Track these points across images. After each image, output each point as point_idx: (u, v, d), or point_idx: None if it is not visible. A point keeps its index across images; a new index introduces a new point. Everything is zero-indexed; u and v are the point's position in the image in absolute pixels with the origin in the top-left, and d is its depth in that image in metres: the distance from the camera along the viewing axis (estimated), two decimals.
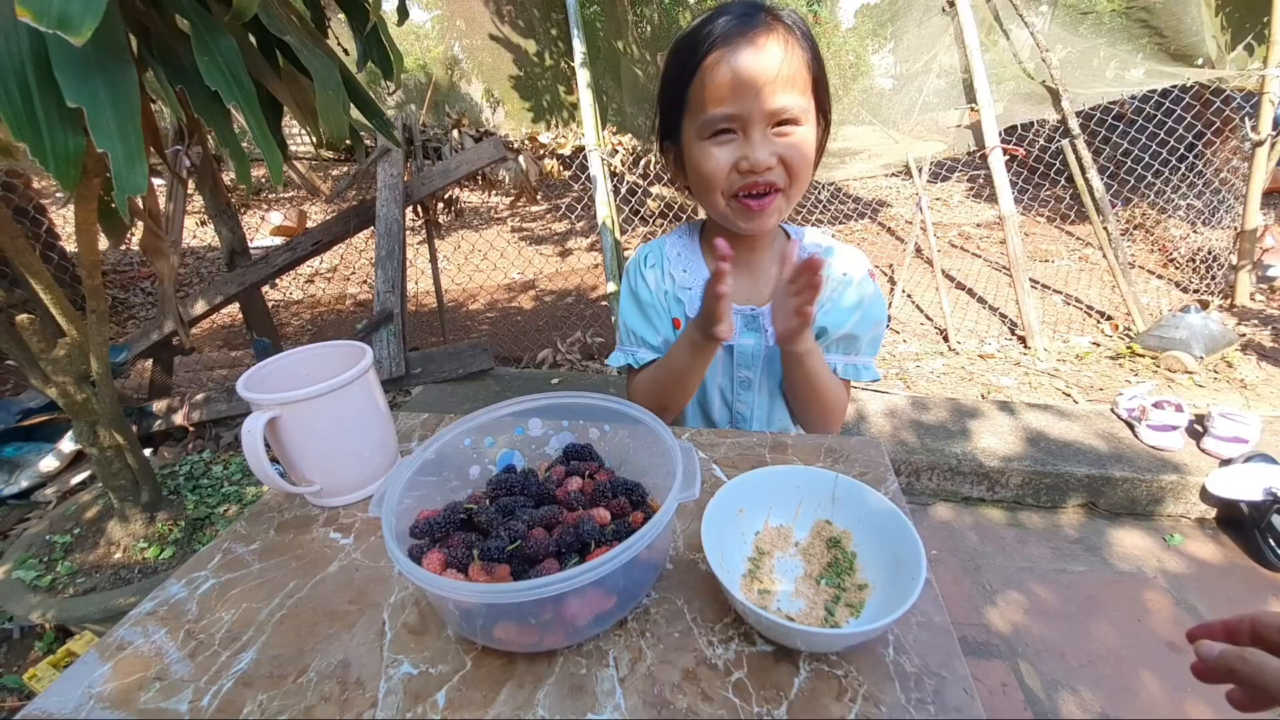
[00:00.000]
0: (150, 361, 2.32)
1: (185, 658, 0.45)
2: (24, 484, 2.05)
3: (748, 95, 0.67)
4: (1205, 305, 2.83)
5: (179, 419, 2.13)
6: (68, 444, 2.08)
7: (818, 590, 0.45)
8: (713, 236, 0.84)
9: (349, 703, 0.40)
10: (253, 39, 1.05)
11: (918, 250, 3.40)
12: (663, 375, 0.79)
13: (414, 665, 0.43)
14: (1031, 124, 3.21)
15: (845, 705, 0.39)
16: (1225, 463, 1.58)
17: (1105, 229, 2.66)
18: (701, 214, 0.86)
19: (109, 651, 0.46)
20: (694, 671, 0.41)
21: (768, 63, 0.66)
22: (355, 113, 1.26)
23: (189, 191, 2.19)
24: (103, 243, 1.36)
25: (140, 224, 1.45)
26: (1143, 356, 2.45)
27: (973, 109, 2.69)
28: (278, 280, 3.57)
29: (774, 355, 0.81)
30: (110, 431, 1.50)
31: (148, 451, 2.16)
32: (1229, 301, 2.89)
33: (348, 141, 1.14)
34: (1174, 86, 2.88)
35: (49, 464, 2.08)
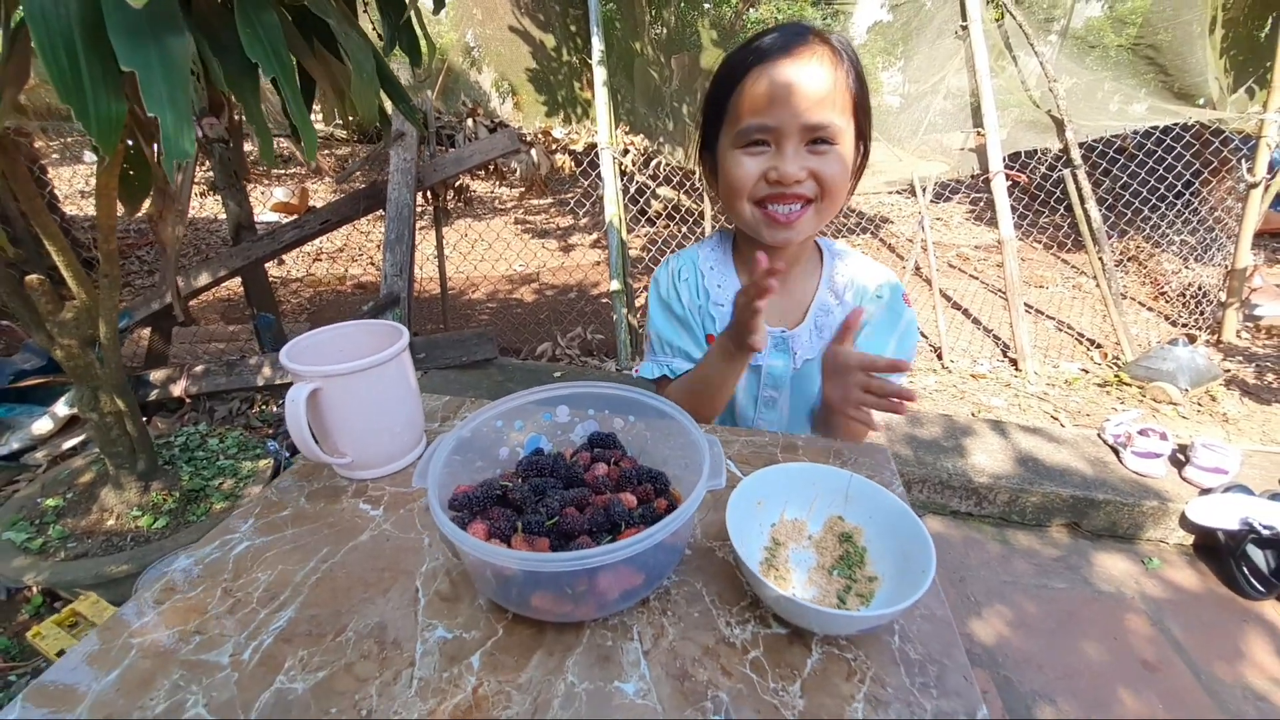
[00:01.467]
0: (149, 330, 2.31)
1: (224, 614, 0.47)
2: (14, 446, 2.04)
3: (784, 108, 0.67)
4: (1193, 339, 2.91)
5: (177, 390, 2.12)
6: (62, 408, 2.07)
7: (830, 580, 0.48)
8: (745, 249, 0.85)
9: (387, 661, 0.42)
10: (289, 19, 1.07)
11: (916, 268, 3.46)
12: (696, 386, 0.80)
13: (448, 630, 0.45)
14: (1035, 151, 3.28)
15: (854, 685, 0.41)
16: (1205, 492, 1.64)
17: (1100, 259, 2.73)
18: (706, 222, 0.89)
19: (148, 605, 0.48)
20: (713, 649, 0.44)
21: (807, 79, 0.67)
22: (384, 100, 1.28)
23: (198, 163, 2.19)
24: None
25: (154, 192, 1.45)
26: (1129, 385, 2.51)
27: (978, 133, 2.74)
28: (283, 256, 3.56)
29: (800, 376, 0.82)
30: (112, 397, 1.51)
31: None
32: (1216, 337, 2.97)
33: (376, 124, 1.16)
34: (1175, 124, 2.95)
35: (42, 426, 2.07)
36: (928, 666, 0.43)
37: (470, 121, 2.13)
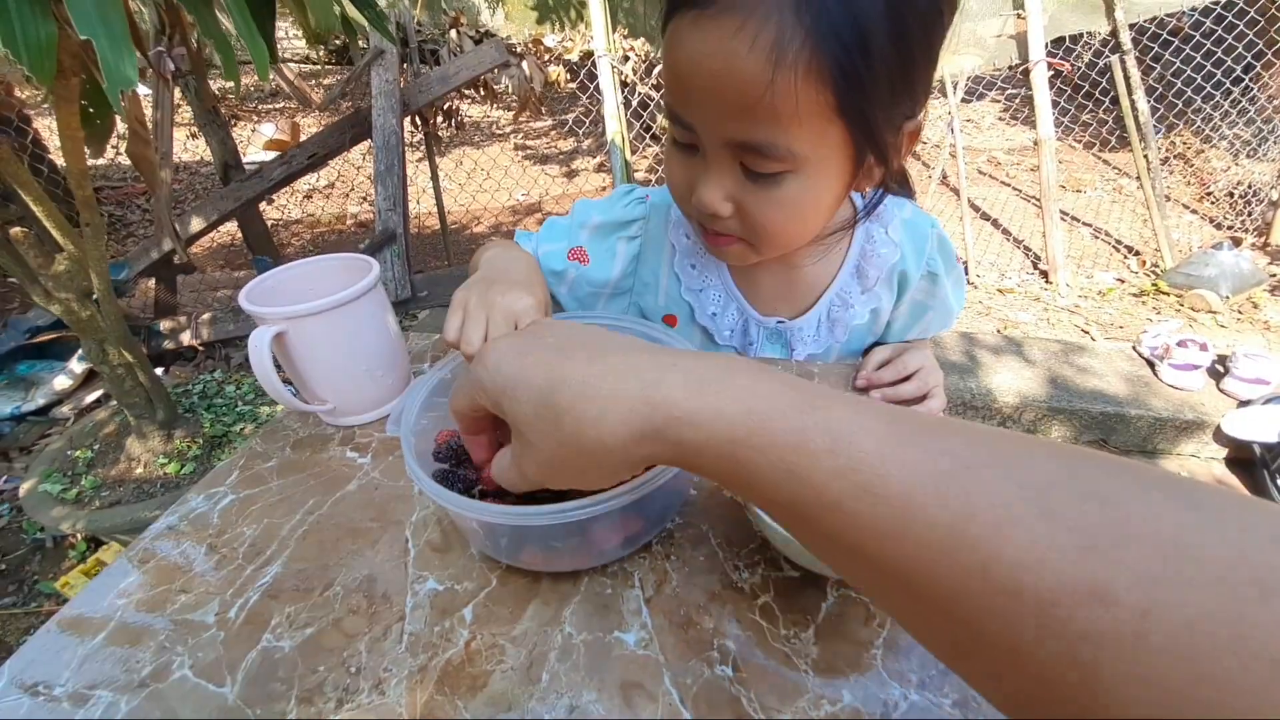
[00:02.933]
0: (153, 281, 2.29)
1: (210, 570, 0.45)
2: (40, 401, 2.08)
3: (699, 103, 0.45)
4: (1238, 242, 2.72)
5: (186, 339, 2.12)
6: (77, 363, 2.09)
7: None
8: None
9: (377, 616, 0.40)
10: None
11: (944, 177, 3.24)
12: None
13: (439, 582, 0.42)
14: (1079, 37, 2.95)
15: (873, 630, 0.38)
16: (1244, 404, 1.57)
17: (1146, 156, 2.51)
18: None
19: (135, 561, 0.46)
20: (720, 594, 0.41)
21: (723, 66, 0.41)
22: (349, 8, 1.15)
23: (177, 101, 2.06)
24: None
25: (127, 134, 1.37)
26: (1167, 294, 2.38)
27: (1019, 16, 2.46)
28: (275, 198, 3.46)
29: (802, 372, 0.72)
30: (119, 349, 1.50)
31: (159, 371, 2.17)
32: (1264, 240, 2.77)
33: (339, 39, 1.05)
34: None
35: (62, 382, 2.10)
36: None
37: (454, 33, 1.95)
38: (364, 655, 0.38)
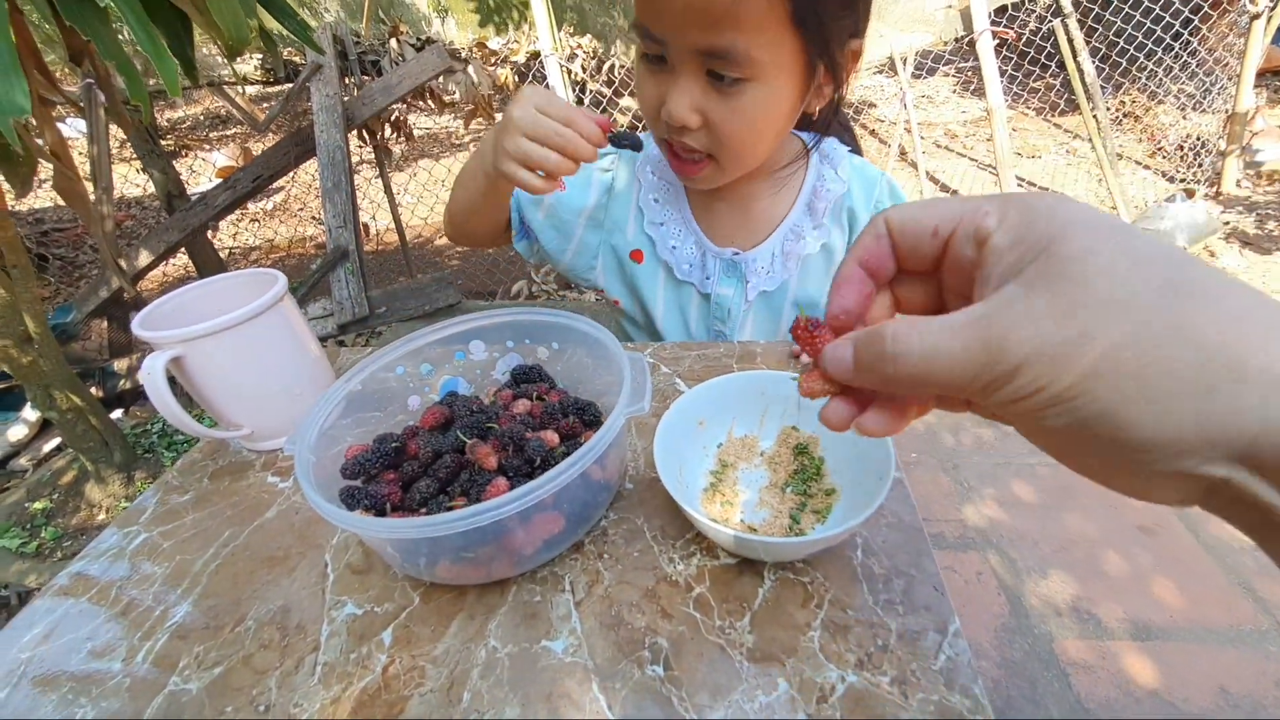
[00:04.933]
0: (105, 321, 2.21)
1: (117, 616, 0.42)
2: None
3: (667, 12, 0.49)
4: (1191, 194, 2.77)
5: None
6: (31, 411, 2.02)
7: (783, 498, 0.43)
8: None
9: (290, 648, 0.38)
10: None
11: (902, 152, 3.26)
12: (458, 193, 0.68)
13: (358, 605, 0.40)
14: (1023, 3, 2.99)
15: (810, 611, 0.37)
16: None
17: (1095, 117, 2.55)
18: None
19: (38, 615, 0.43)
20: (653, 590, 0.39)
21: None
22: (266, 19, 1.11)
23: (123, 136, 1.99)
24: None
25: (52, 174, 1.31)
26: None
27: None
28: (234, 228, 3.37)
29: (757, 312, 0.70)
30: (65, 393, 1.44)
31: (118, 412, 2.10)
32: (1215, 189, 2.83)
33: (260, 54, 1.01)
34: None
35: (18, 432, 2.02)
36: (893, 581, 0.38)
37: (394, 42, 1.91)
38: (274, 691, 0.36)
